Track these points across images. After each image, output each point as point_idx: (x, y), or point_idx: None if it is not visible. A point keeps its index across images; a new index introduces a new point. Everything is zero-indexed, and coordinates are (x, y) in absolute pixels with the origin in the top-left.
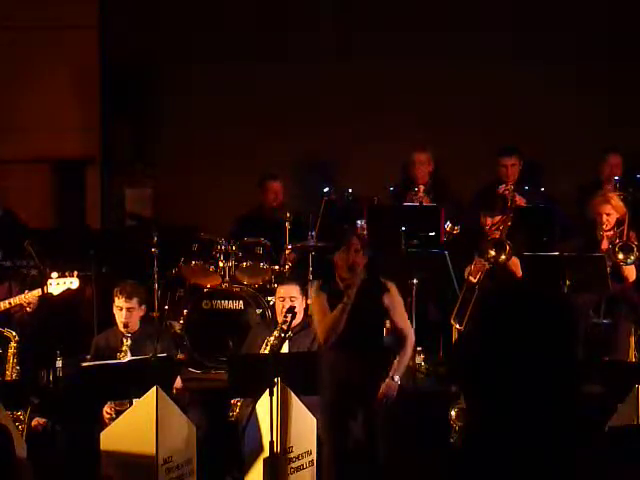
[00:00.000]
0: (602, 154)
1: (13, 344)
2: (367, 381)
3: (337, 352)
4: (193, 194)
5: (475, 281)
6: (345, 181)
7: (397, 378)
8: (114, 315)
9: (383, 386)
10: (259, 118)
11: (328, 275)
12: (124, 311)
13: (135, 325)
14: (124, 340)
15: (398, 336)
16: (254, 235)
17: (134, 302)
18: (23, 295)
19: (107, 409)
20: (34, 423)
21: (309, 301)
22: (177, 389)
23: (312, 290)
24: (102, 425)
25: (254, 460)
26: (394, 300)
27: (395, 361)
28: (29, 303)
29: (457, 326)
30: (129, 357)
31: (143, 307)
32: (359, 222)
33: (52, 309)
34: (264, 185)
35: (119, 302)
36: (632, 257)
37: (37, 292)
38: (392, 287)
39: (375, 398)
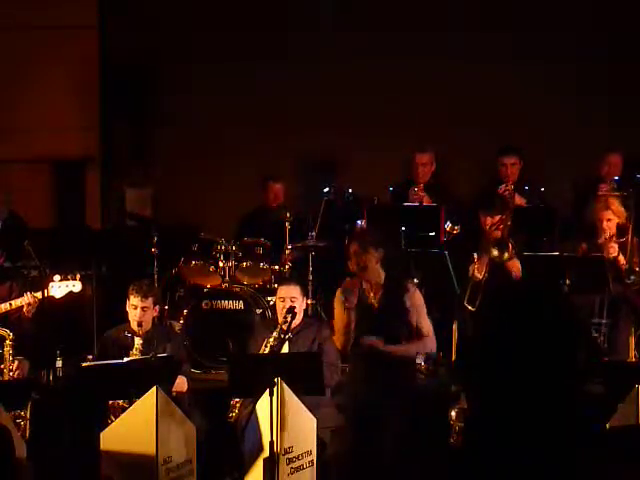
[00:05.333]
0: (602, 152)
1: (9, 342)
2: (391, 386)
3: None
4: (193, 194)
5: (481, 277)
6: (345, 181)
7: (388, 348)
8: (126, 312)
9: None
10: (259, 118)
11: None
12: (139, 310)
13: (148, 325)
14: (136, 340)
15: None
16: (255, 235)
17: (149, 301)
18: (25, 297)
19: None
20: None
21: (309, 301)
22: (180, 392)
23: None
24: (103, 424)
25: (254, 460)
26: (414, 301)
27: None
28: (29, 304)
29: (470, 307)
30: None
31: (157, 307)
32: (359, 222)
33: (52, 309)
34: (265, 186)
35: (134, 300)
36: None
37: (39, 295)
38: (412, 287)
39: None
